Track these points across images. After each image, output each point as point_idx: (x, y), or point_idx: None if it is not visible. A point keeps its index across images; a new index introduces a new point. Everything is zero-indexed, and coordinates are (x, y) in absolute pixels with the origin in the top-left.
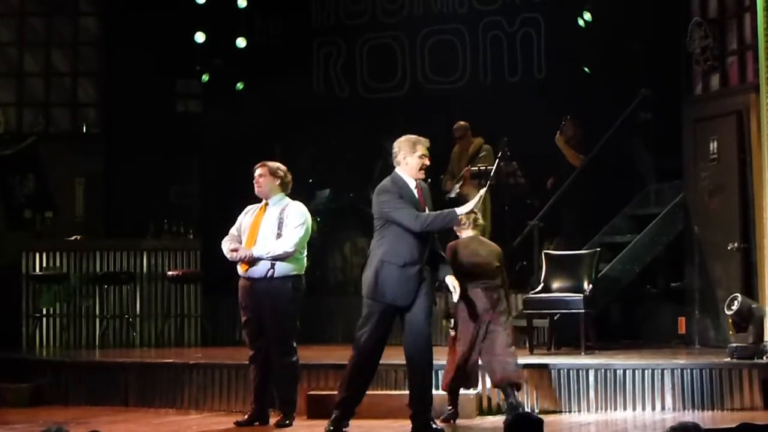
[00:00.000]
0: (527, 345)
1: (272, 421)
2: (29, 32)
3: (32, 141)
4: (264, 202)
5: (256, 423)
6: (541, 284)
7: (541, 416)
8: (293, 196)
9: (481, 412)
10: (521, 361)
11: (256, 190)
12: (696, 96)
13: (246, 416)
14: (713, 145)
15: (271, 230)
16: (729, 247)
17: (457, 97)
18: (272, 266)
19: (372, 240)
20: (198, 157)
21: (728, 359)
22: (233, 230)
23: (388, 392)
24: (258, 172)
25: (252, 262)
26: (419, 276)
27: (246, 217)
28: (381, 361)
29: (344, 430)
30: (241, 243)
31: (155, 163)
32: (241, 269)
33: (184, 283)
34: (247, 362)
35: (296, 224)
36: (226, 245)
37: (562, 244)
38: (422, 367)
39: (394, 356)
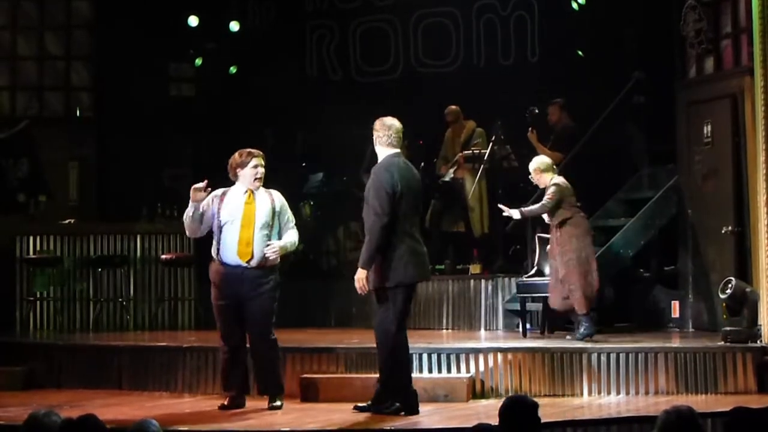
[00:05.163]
0: (520, 329)
1: (249, 404)
2: (22, 16)
3: (25, 125)
4: (248, 189)
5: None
6: (535, 268)
7: (536, 400)
8: (287, 179)
9: (474, 396)
10: (513, 345)
11: (259, 180)
12: (690, 79)
13: (227, 400)
14: (707, 129)
15: (267, 219)
16: (723, 231)
17: (451, 80)
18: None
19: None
20: (191, 141)
21: (722, 343)
22: (198, 209)
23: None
24: (259, 162)
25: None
26: None
27: (228, 202)
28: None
29: None
30: (202, 223)
31: (148, 146)
32: (241, 260)
33: (178, 267)
34: (222, 354)
35: (291, 214)
36: (268, 246)
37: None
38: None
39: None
